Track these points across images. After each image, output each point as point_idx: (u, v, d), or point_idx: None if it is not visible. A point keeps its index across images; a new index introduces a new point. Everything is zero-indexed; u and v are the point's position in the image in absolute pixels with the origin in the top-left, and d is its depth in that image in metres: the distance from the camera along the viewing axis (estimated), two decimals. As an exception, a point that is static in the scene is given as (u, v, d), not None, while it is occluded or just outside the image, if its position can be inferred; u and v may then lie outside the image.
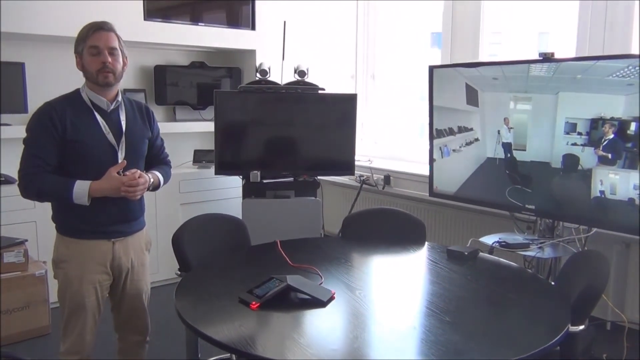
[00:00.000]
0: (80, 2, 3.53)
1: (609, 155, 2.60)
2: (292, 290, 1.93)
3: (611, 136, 2.59)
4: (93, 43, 2.05)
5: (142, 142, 2.25)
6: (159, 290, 3.23)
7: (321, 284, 2.09)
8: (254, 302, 1.86)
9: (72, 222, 2.13)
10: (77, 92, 2.13)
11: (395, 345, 1.71)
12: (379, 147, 4.75)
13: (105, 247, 2.15)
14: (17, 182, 2.07)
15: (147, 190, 2.18)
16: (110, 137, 2.11)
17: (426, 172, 3.56)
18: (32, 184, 2.03)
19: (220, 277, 2.22)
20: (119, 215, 2.16)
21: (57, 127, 2.02)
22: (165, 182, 2.34)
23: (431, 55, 4.36)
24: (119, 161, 2.11)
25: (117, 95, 2.16)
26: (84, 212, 2.07)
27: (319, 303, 1.90)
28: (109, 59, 2.05)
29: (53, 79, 3.80)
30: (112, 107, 2.13)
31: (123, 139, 2.14)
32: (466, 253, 2.47)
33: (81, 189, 1.99)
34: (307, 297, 1.92)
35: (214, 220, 2.67)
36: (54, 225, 2.19)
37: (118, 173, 2.07)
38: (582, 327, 1.87)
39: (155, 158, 2.37)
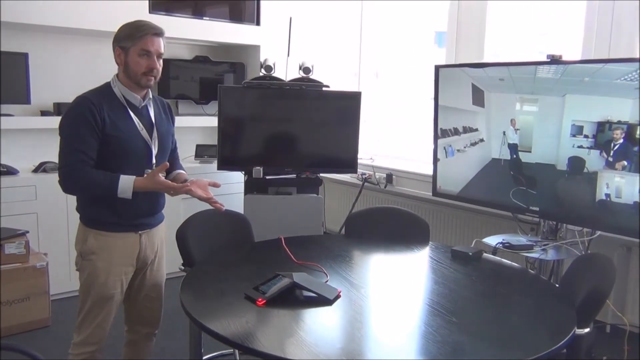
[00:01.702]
0: (86, -7, 3.52)
1: (625, 162, 2.58)
2: (299, 288, 1.93)
3: (621, 141, 2.58)
4: (146, 47, 2.05)
5: (168, 137, 2.28)
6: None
7: (327, 281, 2.09)
8: (260, 299, 1.85)
9: (103, 215, 2.12)
10: (109, 87, 2.13)
11: (402, 345, 1.71)
12: (381, 146, 4.75)
13: (133, 239, 2.17)
14: (58, 179, 2.04)
15: None
16: (144, 133, 2.13)
17: (429, 172, 3.56)
18: (77, 178, 2.02)
19: (225, 273, 2.22)
20: (147, 208, 2.19)
21: (98, 121, 2.02)
22: None
23: (435, 54, 4.35)
24: (153, 156, 2.15)
25: (147, 92, 2.18)
26: (115, 206, 2.08)
27: (326, 301, 1.89)
28: (158, 65, 2.09)
29: (57, 70, 3.78)
30: (143, 104, 2.16)
31: (155, 134, 2.17)
32: (470, 254, 2.47)
33: (126, 184, 2.00)
34: (314, 295, 1.91)
35: (217, 216, 2.65)
36: (79, 216, 2.19)
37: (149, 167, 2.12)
38: (587, 330, 1.87)
39: (172, 154, 2.38)
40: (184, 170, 2.39)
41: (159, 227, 2.29)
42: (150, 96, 2.19)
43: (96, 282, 2.12)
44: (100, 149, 2.05)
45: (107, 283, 2.12)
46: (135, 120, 2.11)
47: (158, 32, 2.09)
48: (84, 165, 2.00)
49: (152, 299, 2.31)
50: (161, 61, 2.13)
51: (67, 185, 2.04)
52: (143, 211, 2.17)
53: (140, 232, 2.18)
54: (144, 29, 2.06)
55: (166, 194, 2.19)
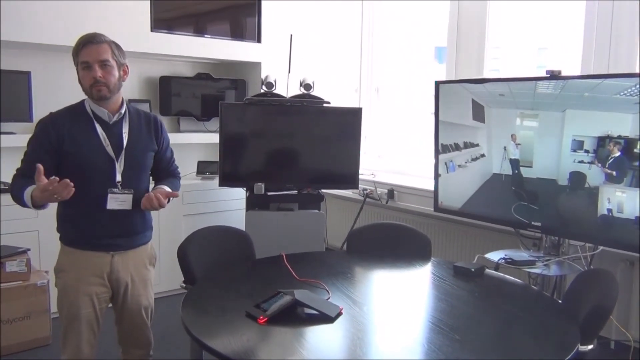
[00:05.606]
0: (88, 12, 3.55)
1: (614, 173, 2.60)
2: (300, 306, 1.92)
3: (617, 154, 2.59)
4: (83, 58, 2.04)
5: (146, 155, 2.22)
6: (161, 302, 3.18)
7: (329, 299, 2.08)
8: (261, 317, 1.84)
9: (71, 233, 2.14)
10: (82, 103, 2.14)
11: (404, 363, 1.69)
12: (382, 161, 4.75)
13: (103, 259, 2.13)
14: None
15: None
16: (109, 149, 2.10)
17: (430, 187, 3.56)
18: (10, 186, 2.08)
19: (226, 290, 2.21)
20: (117, 229, 2.14)
21: (52, 138, 2.04)
22: None
23: (435, 69, 4.37)
24: (118, 173, 2.10)
25: (121, 106, 2.15)
26: (81, 223, 2.08)
27: (327, 319, 1.88)
28: (99, 74, 2.03)
29: (59, 88, 3.79)
30: (114, 119, 2.12)
31: (123, 151, 2.13)
32: (473, 269, 2.46)
33: (27, 194, 1.98)
34: (315, 312, 1.90)
35: (219, 232, 2.66)
36: (59, 235, 2.19)
37: (118, 187, 2.09)
38: (591, 346, 1.86)
39: (165, 171, 2.36)
40: (164, 185, 2.28)
41: (137, 250, 2.23)
42: (124, 111, 2.15)
43: (66, 300, 2.11)
44: (62, 164, 2.06)
45: (76, 301, 2.09)
46: (101, 136, 2.09)
47: (90, 40, 2.04)
48: (18, 173, 2.08)
49: (136, 324, 2.25)
50: (114, 70, 2.06)
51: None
52: (112, 231, 2.13)
53: (112, 252, 2.14)
54: (78, 42, 2.06)
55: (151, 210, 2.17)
